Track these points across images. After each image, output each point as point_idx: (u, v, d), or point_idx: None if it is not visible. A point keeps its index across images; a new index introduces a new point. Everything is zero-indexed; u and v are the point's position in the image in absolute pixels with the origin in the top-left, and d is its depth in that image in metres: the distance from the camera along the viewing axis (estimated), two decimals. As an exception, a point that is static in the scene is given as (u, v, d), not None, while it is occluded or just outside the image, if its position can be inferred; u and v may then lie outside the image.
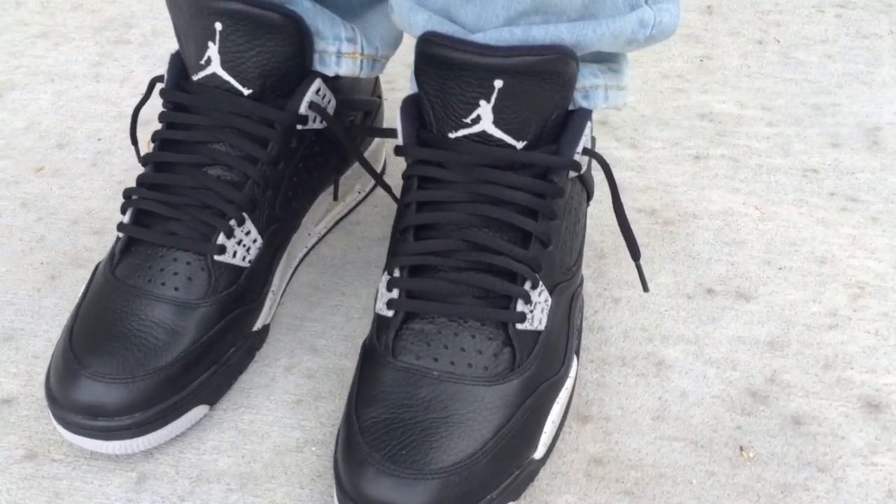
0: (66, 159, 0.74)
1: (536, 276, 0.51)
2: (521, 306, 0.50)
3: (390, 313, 0.51)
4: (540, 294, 0.51)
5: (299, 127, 0.56)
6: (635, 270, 0.64)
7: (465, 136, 0.51)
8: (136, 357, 0.51)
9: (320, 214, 0.65)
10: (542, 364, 0.51)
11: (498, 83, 0.49)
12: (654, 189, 0.72)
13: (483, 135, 0.51)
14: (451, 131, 0.51)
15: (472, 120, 0.50)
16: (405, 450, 0.47)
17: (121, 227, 0.55)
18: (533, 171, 0.51)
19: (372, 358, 0.51)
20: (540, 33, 0.48)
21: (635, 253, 0.56)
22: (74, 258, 0.66)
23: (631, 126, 0.77)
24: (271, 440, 0.55)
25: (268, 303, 0.59)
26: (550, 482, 0.53)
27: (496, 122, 0.50)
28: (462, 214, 0.51)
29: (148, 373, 0.51)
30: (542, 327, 0.52)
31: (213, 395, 0.55)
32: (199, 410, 0.54)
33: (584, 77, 0.53)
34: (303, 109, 0.56)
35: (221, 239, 0.54)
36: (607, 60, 0.56)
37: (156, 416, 0.52)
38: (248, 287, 0.56)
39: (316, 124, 0.57)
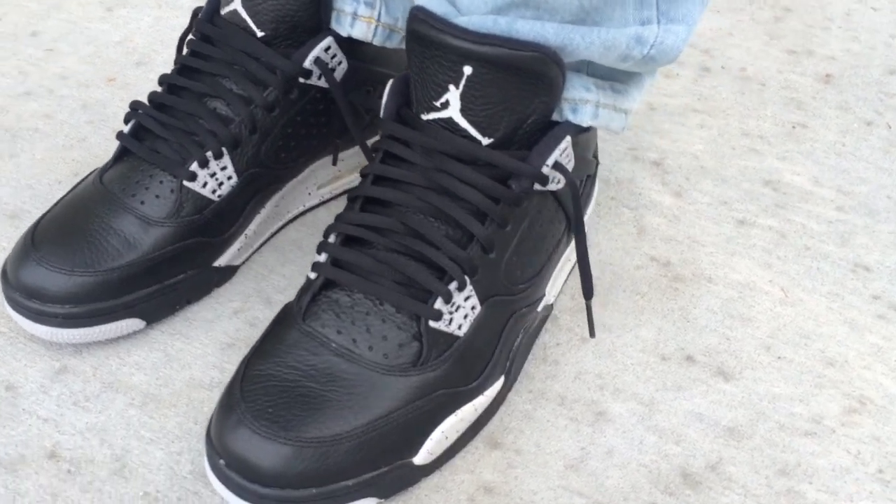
0: (138, 77, 0.79)
1: (466, 279, 0.49)
2: (439, 304, 0.48)
3: (313, 276, 0.50)
4: (467, 299, 0.49)
5: (301, 80, 0.57)
6: (619, 316, 0.60)
7: (434, 120, 0.49)
8: (84, 255, 0.54)
9: (325, 178, 0.65)
10: (452, 371, 0.49)
11: (467, 69, 0.47)
12: (679, 242, 0.66)
13: (450, 122, 0.49)
14: (423, 112, 0.50)
15: (442, 104, 0.49)
16: (272, 408, 0.46)
17: (119, 135, 0.58)
18: (493, 172, 0.49)
19: (285, 316, 0.50)
20: (524, 28, 0.46)
21: (588, 291, 0.53)
22: (103, 162, 0.70)
23: (685, 174, 0.72)
24: (189, 372, 0.55)
25: (237, 244, 0.60)
26: (430, 494, 0.50)
27: (463, 111, 0.48)
28: (413, 198, 0.49)
29: (89, 271, 0.53)
30: (460, 333, 0.49)
31: (151, 313, 0.56)
32: (132, 323, 0.56)
33: (575, 88, 0.50)
34: (307, 63, 0.56)
35: (194, 167, 0.55)
36: (610, 77, 0.52)
37: (87, 313, 0.54)
38: (214, 221, 0.57)
39: (320, 82, 0.58)
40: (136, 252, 0.54)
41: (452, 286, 0.48)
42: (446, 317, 0.48)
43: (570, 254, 0.60)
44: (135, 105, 0.58)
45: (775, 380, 0.57)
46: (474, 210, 0.49)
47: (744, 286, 0.63)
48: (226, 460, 0.45)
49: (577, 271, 0.63)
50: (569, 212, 0.54)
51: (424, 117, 0.50)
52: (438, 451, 0.49)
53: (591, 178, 0.60)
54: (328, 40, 0.56)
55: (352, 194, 0.51)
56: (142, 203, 0.55)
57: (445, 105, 0.49)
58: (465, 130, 0.49)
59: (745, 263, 0.65)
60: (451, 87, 0.48)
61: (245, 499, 0.45)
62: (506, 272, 0.51)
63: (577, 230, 0.51)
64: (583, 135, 0.53)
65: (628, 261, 0.65)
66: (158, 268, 0.55)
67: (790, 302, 0.63)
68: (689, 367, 0.58)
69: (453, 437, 0.50)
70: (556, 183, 0.51)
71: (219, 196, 0.57)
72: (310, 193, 0.65)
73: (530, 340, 0.56)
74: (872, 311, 0.62)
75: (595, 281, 0.63)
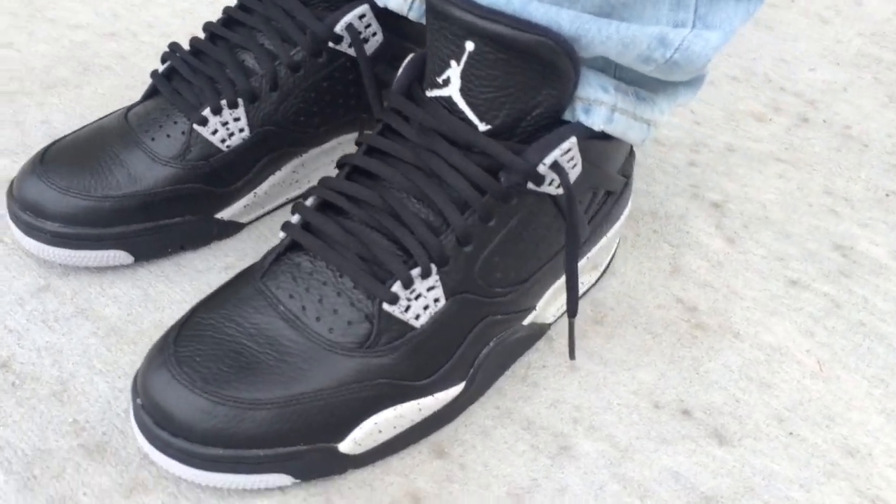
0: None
1: (432, 266, 0.45)
2: (397, 287, 0.45)
3: (282, 235, 0.48)
4: (430, 289, 0.46)
5: (331, 45, 0.55)
6: (622, 351, 0.55)
7: (435, 98, 0.46)
8: (85, 179, 0.54)
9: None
10: (400, 362, 0.46)
11: (469, 45, 0.44)
12: (715, 290, 0.60)
13: (449, 101, 0.46)
14: (428, 88, 0.47)
15: (444, 81, 0.46)
16: (200, 358, 0.44)
17: (152, 74, 0.58)
18: (486, 161, 0.46)
19: (248, 272, 0.48)
20: (539, 11, 0.43)
21: (572, 310, 0.48)
22: (157, 107, 0.71)
23: (745, 221, 0.66)
24: (161, 315, 0.54)
25: (244, 200, 0.59)
26: (353, 488, 0.47)
27: (463, 91, 0.45)
28: (398, 175, 0.46)
29: (83, 195, 0.53)
30: (416, 324, 0.46)
31: (140, 249, 0.56)
32: (119, 255, 0.55)
33: (591, 86, 0.45)
34: (339, 28, 0.55)
35: (207, 112, 0.55)
36: (637, 83, 0.48)
37: (74, 235, 0.54)
38: (220, 171, 0.56)
39: (350, 50, 0.56)
40: (135, 186, 0.54)
41: (415, 272, 0.45)
42: (403, 302, 0.45)
43: (580, 275, 0.55)
44: (173, 47, 0.58)
45: (779, 456, 0.50)
46: (457, 198, 0.46)
47: (774, 350, 0.56)
48: (143, 401, 0.44)
49: (590, 295, 0.58)
50: (564, 214, 0.50)
51: (428, 94, 0.47)
52: (369, 444, 0.46)
53: (616, 197, 0.55)
54: (363, 8, 0.55)
55: (341, 161, 0.49)
56: (152, 140, 0.55)
57: (447, 82, 0.46)
58: (462, 112, 0.45)
59: (783, 326, 0.58)
60: (453, 62, 0.45)
61: (153, 444, 0.44)
62: (482, 270, 0.47)
63: (567, 240, 0.46)
64: (600, 142, 0.48)
65: (651, 297, 0.59)
66: (155, 206, 0.55)
67: (824, 377, 0.55)
68: (682, 420, 0.52)
69: (389, 432, 0.46)
70: (555, 186, 0.46)
71: (227, 146, 0.56)
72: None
73: (509, 355, 0.52)
74: (919, 407, 0.54)
75: (607, 310, 0.58)
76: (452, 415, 0.49)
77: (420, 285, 0.45)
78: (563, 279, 0.53)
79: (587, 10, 0.43)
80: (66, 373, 0.51)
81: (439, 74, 0.46)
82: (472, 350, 0.48)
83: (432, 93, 0.47)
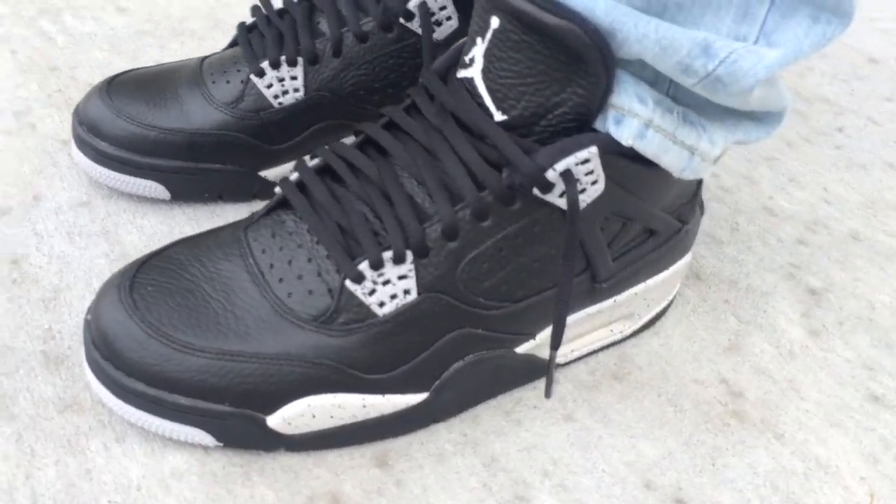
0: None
1: (407, 253, 0.41)
2: (364, 267, 0.41)
3: (277, 191, 0.46)
4: (401, 278, 0.41)
5: (402, 21, 0.53)
6: (632, 416, 0.48)
7: (461, 79, 0.43)
8: (138, 106, 0.55)
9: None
10: (352, 349, 0.42)
11: (494, 21, 0.40)
12: (773, 381, 0.51)
13: (471, 84, 0.42)
14: (459, 69, 0.43)
15: (469, 60, 0.42)
16: (152, 287, 0.42)
17: (238, 24, 0.58)
18: (493, 154, 0.41)
19: (241, 221, 0.46)
20: (577, -2, 0.38)
21: (555, 341, 0.42)
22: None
23: (842, 318, 0.56)
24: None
25: (289, 164, 0.57)
26: (276, 470, 0.43)
27: (484, 73, 0.41)
28: (404, 152, 0.43)
29: (132, 120, 0.54)
30: (379, 312, 0.42)
31: (177, 187, 0.56)
32: (156, 188, 0.56)
33: (626, 94, 0.40)
34: (412, 5, 0.52)
35: (265, 64, 0.54)
36: (688, 102, 0.41)
37: (117, 158, 0.55)
38: (269, 128, 0.55)
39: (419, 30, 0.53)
40: (183, 123, 0.54)
41: (387, 255, 0.41)
42: (368, 284, 0.41)
43: (602, 318, 0.48)
44: (262, 2, 0.58)
45: (774, 586, 0.41)
46: (452, 186, 0.41)
47: (820, 466, 0.47)
48: (91, 316, 0.43)
49: (615, 350, 0.51)
50: (589, 250, 0.44)
51: (458, 74, 0.43)
52: (302, 427, 0.42)
53: (661, 241, 0.48)
54: (440, -12, 0.52)
55: (358, 128, 0.46)
56: (213, 83, 0.55)
57: (472, 62, 0.42)
58: (480, 97, 0.41)
59: (841, 442, 0.48)
60: (479, 39, 0.41)
61: (87, 361, 0.43)
62: (466, 273, 0.42)
63: (563, 260, 0.41)
64: (636, 165, 0.42)
65: (690, 369, 0.51)
66: (198, 147, 0.55)
67: (870, 512, 0.45)
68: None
69: (325, 421, 0.42)
70: (563, 198, 0.41)
71: (279, 103, 0.55)
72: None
73: (494, 382, 0.46)
74: None
75: (633, 368, 0.51)
76: (409, 427, 0.45)
77: (390, 270, 0.41)
78: (575, 316, 0.47)
79: (632, 3, 0.38)
80: (63, 283, 0.51)
81: (467, 53, 0.42)
82: (439, 359, 0.43)
83: (460, 73, 0.43)
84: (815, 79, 0.80)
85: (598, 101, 0.40)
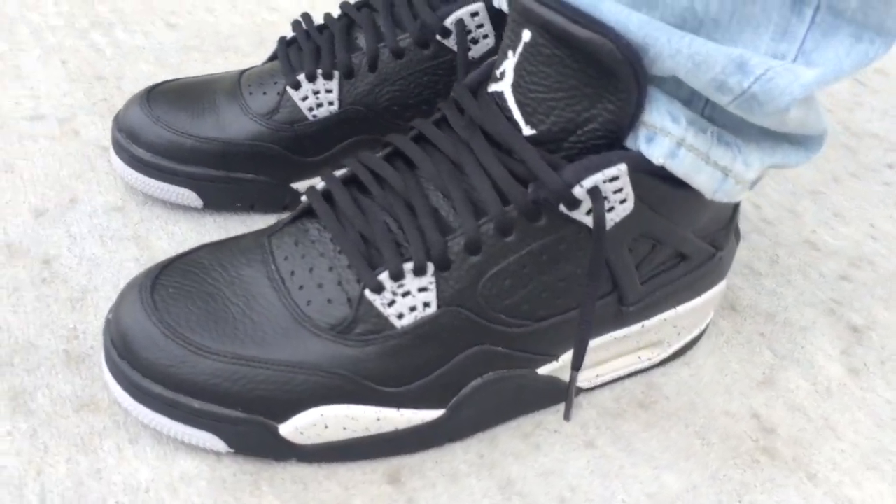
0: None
1: (428, 265, 0.40)
2: (384, 277, 0.41)
3: (303, 199, 0.45)
4: (421, 290, 0.41)
5: (438, 38, 0.53)
6: (657, 446, 0.46)
7: (492, 93, 0.42)
8: (175, 114, 0.55)
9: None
10: (369, 360, 0.41)
11: (525, 34, 0.39)
12: (809, 419, 0.49)
13: (501, 98, 0.41)
14: (490, 83, 0.43)
15: (501, 74, 0.41)
16: (173, 289, 0.42)
17: (279, 39, 0.59)
18: (519, 169, 0.40)
19: (267, 228, 0.46)
20: (611, 10, 0.37)
21: (576, 362, 0.41)
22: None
23: (885, 357, 0.53)
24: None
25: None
26: (286, 480, 0.42)
27: (514, 87, 0.40)
28: (431, 165, 0.43)
29: (169, 127, 0.55)
30: (397, 324, 0.41)
31: (209, 195, 0.56)
32: (188, 195, 0.56)
33: (658, 112, 0.39)
34: (449, 22, 0.52)
35: (301, 77, 0.54)
36: (724, 123, 0.40)
37: (152, 164, 0.55)
38: (302, 140, 0.55)
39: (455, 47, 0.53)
40: (218, 133, 0.55)
41: (408, 266, 0.40)
42: (388, 295, 0.41)
43: (630, 343, 0.47)
44: (303, 16, 0.59)
45: None
46: (477, 199, 0.41)
47: (853, 509, 0.44)
48: (112, 315, 0.43)
49: (642, 377, 0.50)
50: (616, 271, 0.43)
51: (489, 89, 0.43)
52: (314, 438, 0.41)
53: (693, 266, 0.46)
54: (478, 5, 0.52)
55: (386, 139, 0.46)
56: (250, 94, 0.56)
57: (503, 76, 0.41)
58: (509, 111, 0.41)
59: (878, 487, 0.46)
60: (510, 53, 0.40)
61: (105, 360, 0.43)
62: (488, 289, 0.41)
63: (588, 278, 0.40)
64: (667, 186, 0.41)
65: (722, 402, 0.49)
66: (232, 157, 0.55)
67: (907, 563, 0.42)
68: (692, 546, 0.42)
69: (337, 432, 0.42)
70: (590, 215, 0.40)
71: (314, 116, 0.55)
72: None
73: (514, 403, 0.45)
74: None
75: (660, 398, 0.49)
76: (424, 444, 0.44)
77: (411, 282, 0.41)
78: (601, 340, 0.46)
79: (666, 17, 0.37)
80: (91, 285, 0.52)
81: (499, 66, 0.42)
82: (458, 375, 0.42)
83: (491, 87, 0.42)
84: (864, 114, 0.78)
85: (630, 117, 0.39)
